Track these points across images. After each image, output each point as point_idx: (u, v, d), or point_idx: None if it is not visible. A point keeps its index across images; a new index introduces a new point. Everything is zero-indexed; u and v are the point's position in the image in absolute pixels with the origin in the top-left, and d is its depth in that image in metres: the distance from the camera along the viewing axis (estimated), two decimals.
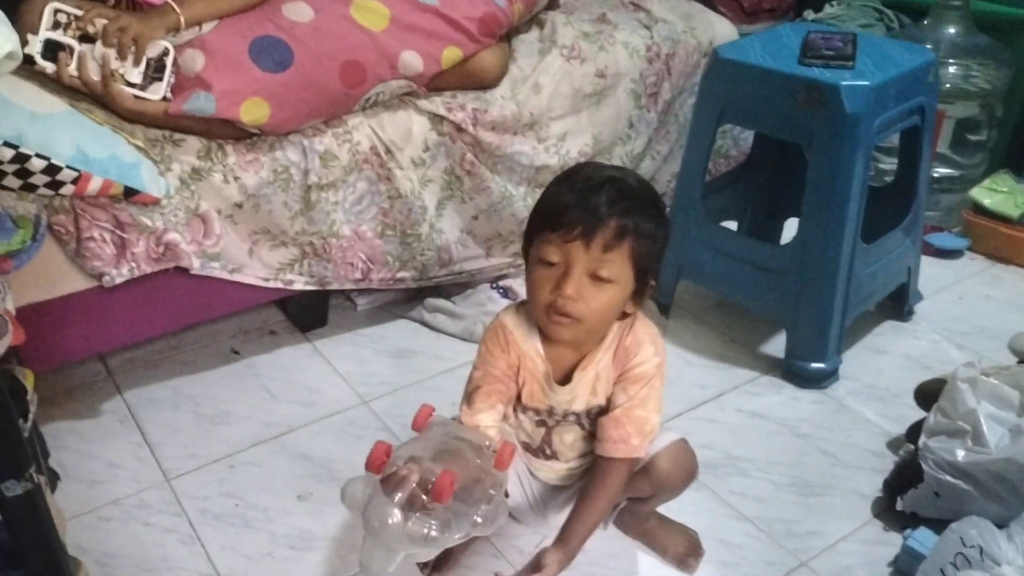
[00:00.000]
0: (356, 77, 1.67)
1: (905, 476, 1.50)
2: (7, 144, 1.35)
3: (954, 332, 1.99)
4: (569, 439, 1.31)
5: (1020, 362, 1.78)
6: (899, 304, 2.01)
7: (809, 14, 2.54)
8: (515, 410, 1.31)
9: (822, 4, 2.56)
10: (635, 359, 1.23)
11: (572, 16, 2.14)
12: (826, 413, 1.74)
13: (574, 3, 2.24)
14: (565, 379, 1.25)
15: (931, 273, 2.15)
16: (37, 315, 1.52)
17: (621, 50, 2.08)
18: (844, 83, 1.60)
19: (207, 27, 1.63)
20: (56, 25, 1.51)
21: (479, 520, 1.01)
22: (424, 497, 1.00)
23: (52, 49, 1.51)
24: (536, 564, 1.21)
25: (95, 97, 1.56)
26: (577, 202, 1.11)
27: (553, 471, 1.37)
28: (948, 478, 1.42)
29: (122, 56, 1.53)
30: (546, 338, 1.22)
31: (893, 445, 1.65)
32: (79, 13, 1.53)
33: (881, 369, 1.87)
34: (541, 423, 1.30)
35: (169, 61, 1.56)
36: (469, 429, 1.20)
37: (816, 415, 1.74)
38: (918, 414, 1.60)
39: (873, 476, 1.58)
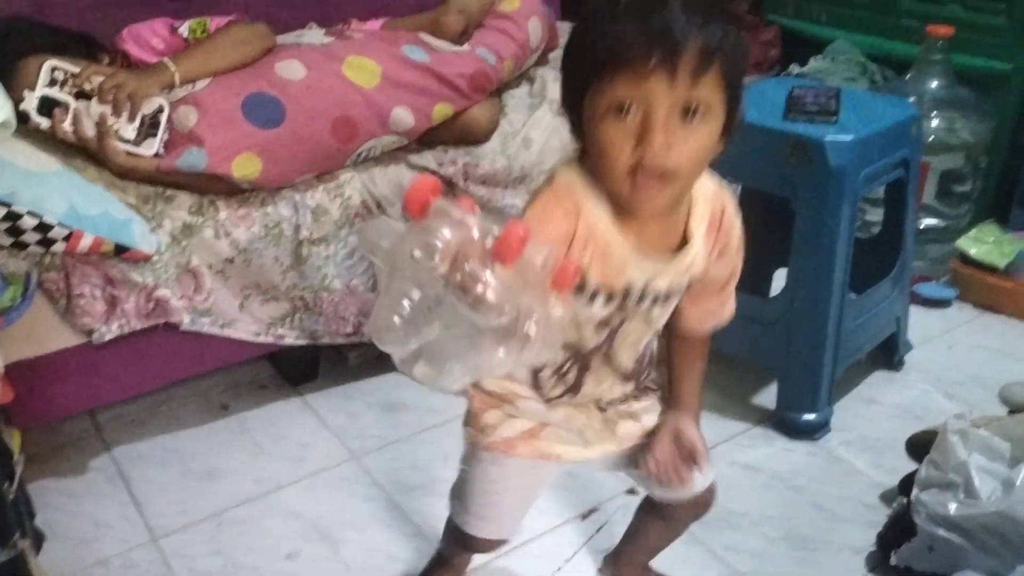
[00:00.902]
0: (348, 133, 1.69)
1: (898, 530, 1.49)
2: (0, 203, 1.36)
3: (944, 381, 1.99)
4: (632, 337, 1.05)
5: (1011, 412, 1.79)
6: (889, 354, 2.02)
7: (795, 68, 2.58)
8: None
9: (807, 58, 2.61)
10: (733, 228, 1.03)
11: None
12: (819, 465, 1.74)
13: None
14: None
15: (920, 322, 2.16)
16: (26, 371, 1.52)
17: None
18: (828, 138, 1.63)
19: (201, 84, 1.65)
20: (53, 82, 1.54)
21: (531, 329, 0.69)
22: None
23: (48, 105, 1.53)
24: (675, 433, 1.12)
25: (90, 153, 1.58)
26: (640, 23, 0.84)
27: (590, 420, 1.12)
28: (941, 532, 1.41)
29: (117, 112, 1.55)
30: (617, 210, 0.94)
31: (886, 497, 1.65)
32: (76, 71, 1.55)
33: (873, 419, 1.87)
34: (608, 319, 1.01)
35: (163, 118, 1.58)
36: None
37: (809, 467, 1.73)
38: (911, 465, 1.60)
39: (867, 530, 1.57)
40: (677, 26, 0.83)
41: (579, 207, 0.93)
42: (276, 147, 1.61)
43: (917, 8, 2.48)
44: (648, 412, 1.16)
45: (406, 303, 0.67)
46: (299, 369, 1.99)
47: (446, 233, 0.66)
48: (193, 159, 1.56)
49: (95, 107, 1.55)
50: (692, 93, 0.84)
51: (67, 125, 1.53)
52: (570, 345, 1.04)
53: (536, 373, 1.07)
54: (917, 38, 2.31)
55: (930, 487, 1.47)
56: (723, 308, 1.10)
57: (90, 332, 1.55)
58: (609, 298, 0.98)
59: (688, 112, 0.85)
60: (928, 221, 2.40)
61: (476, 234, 0.68)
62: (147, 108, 1.57)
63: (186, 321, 1.63)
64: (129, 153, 1.56)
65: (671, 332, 1.12)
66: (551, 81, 2.11)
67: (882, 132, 1.71)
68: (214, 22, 1.75)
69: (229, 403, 1.92)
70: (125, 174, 1.56)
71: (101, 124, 1.53)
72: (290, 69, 1.69)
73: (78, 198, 1.46)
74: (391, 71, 1.77)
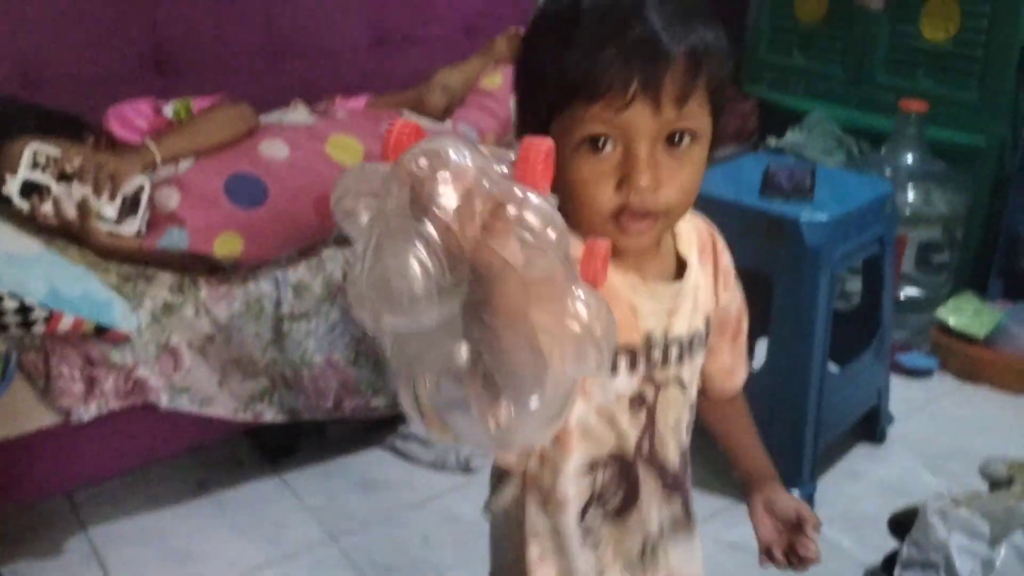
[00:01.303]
0: (329, 211, 1.71)
1: None
2: None
3: (927, 455, 1.99)
4: (673, 414, 0.89)
5: (992, 487, 1.79)
6: (871, 426, 2.02)
7: (772, 140, 2.63)
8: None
9: (784, 129, 2.66)
10: (726, 254, 0.93)
11: None
12: None
13: None
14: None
15: (903, 393, 2.17)
16: (3, 451, 1.51)
17: None
18: (804, 218, 1.66)
19: (184, 164, 1.67)
20: (35, 165, 1.55)
21: (580, 309, 0.54)
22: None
23: (29, 189, 1.55)
24: (768, 508, 0.99)
25: (72, 233, 1.59)
26: (612, 40, 0.70)
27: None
28: None
29: (98, 192, 1.57)
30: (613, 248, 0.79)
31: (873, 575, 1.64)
32: (57, 155, 1.57)
33: (856, 496, 1.86)
34: (641, 394, 0.86)
35: (144, 197, 1.59)
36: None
37: None
38: (894, 543, 1.59)
39: None
40: (660, 39, 0.70)
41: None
42: (258, 226, 1.63)
43: (891, 82, 2.55)
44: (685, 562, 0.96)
45: (422, 249, 0.50)
46: (277, 444, 1.97)
47: (463, 158, 0.52)
48: (175, 239, 1.57)
49: (76, 189, 1.56)
50: (679, 119, 0.72)
51: (48, 208, 1.54)
52: (611, 454, 0.86)
53: (584, 511, 0.87)
54: (891, 111, 2.37)
55: (912, 566, 1.47)
56: (738, 366, 1.00)
57: (68, 413, 1.54)
58: (632, 362, 0.84)
59: (674, 139, 0.74)
60: (908, 291, 2.43)
61: (493, 165, 0.53)
62: (128, 188, 1.59)
63: (164, 400, 1.62)
64: (111, 233, 1.57)
65: (707, 407, 1.00)
66: None
67: (857, 210, 1.74)
68: (198, 103, 1.77)
69: (206, 480, 1.90)
70: (107, 254, 1.57)
71: (82, 205, 1.55)
72: (273, 148, 1.72)
73: (59, 279, 1.46)
74: (373, 149, 1.79)
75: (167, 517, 1.80)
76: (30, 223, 1.56)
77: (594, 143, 0.72)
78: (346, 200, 0.58)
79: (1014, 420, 2.12)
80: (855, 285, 2.34)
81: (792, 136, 2.61)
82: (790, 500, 1.00)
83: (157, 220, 1.60)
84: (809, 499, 1.81)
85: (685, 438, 0.92)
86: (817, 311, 1.69)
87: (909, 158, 2.34)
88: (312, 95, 2.19)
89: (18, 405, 1.51)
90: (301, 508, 1.82)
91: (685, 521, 0.94)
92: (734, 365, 0.99)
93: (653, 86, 0.70)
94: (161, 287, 1.60)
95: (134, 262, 1.60)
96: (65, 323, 1.46)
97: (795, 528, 0.98)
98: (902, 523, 1.57)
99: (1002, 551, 1.40)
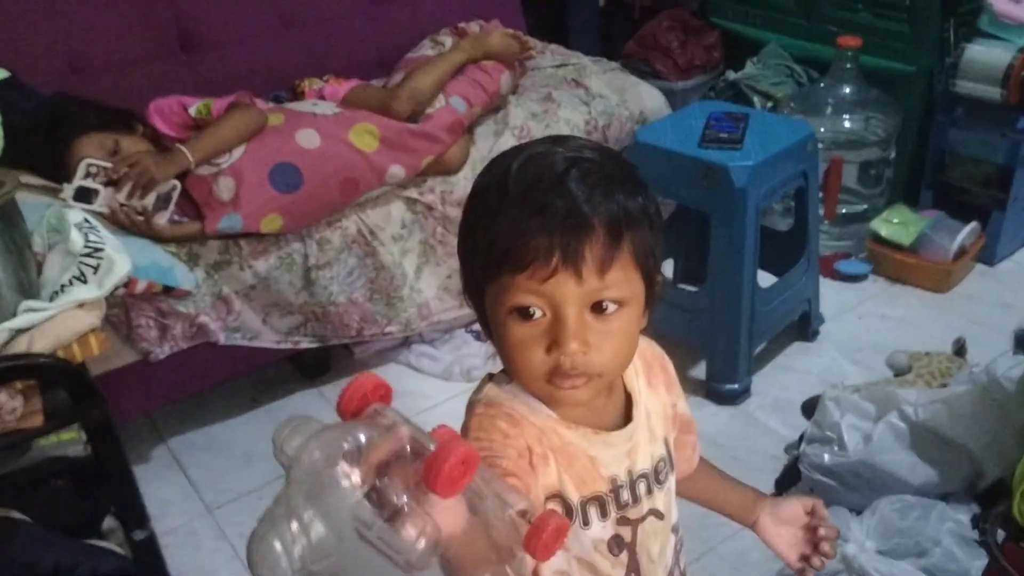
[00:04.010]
0: (351, 190, 2.08)
1: (790, 476, 1.90)
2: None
3: (851, 349, 2.38)
4: (656, 546, 0.89)
5: (896, 374, 2.19)
6: (805, 327, 2.41)
7: (730, 74, 2.93)
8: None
9: (745, 59, 2.95)
10: (667, 367, 0.95)
11: (522, 97, 2.54)
12: (738, 425, 2.14)
13: (525, 83, 2.64)
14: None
15: (837, 296, 2.55)
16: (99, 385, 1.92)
17: (564, 126, 2.47)
18: (732, 164, 2.00)
19: (237, 153, 2.01)
20: (87, 175, 1.90)
21: None
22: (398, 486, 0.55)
23: (83, 193, 1.89)
24: (776, 519, 1.01)
25: (135, 229, 1.93)
26: (538, 216, 0.72)
27: None
28: (819, 476, 1.82)
29: (133, 193, 1.90)
30: (558, 405, 0.82)
31: (790, 449, 2.05)
32: (107, 165, 1.90)
33: (787, 385, 2.26)
34: (617, 537, 0.86)
35: (175, 195, 1.94)
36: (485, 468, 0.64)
37: (730, 427, 2.14)
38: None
39: (771, 476, 1.97)
40: (580, 210, 0.73)
41: (515, 418, 0.81)
42: (294, 207, 2.01)
43: (834, 15, 2.82)
44: None
45: (295, 526, 0.52)
46: (314, 365, 2.39)
47: (361, 437, 0.54)
48: (232, 223, 1.96)
49: (121, 194, 1.89)
50: (602, 289, 0.74)
51: (99, 206, 1.87)
52: None
53: None
54: (834, 42, 2.65)
55: (813, 441, 1.87)
56: (695, 452, 1.02)
57: (147, 353, 1.95)
58: (603, 510, 0.84)
59: (601, 307, 0.76)
60: (853, 205, 2.77)
61: (408, 448, 0.55)
62: (163, 188, 1.93)
63: (222, 338, 2.04)
64: (173, 223, 1.93)
65: (679, 486, 0.96)
66: (513, 107, 2.48)
67: (780, 152, 2.08)
68: (216, 104, 2.09)
69: (258, 397, 2.34)
70: (171, 240, 1.94)
71: (126, 204, 1.88)
72: (307, 138, 2.07)
73: (132, 252, 1.84)
74: (388, 134, 2.15)
75: (229, 427, 2.25)
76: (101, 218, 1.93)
77: (523, 311, 0.75)
78: (285, 439, 0.58)
79: (931, 317, 2.49)
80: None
81: (748, 69, 2.90)
82: (789, 502, 1.01)
83: (215, 206, 1.96)
84: (746, 390, 2.21)
85: (671, 561, 0.92)
86: (746, 239, 2.05)
87: (847, 88, 2.64)
88: (315, 64, 2.51)
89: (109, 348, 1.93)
90: (335, 414, 2.25)
91: None
92: (688, 459, 1.01)
93: (574, 256, 0.72)
94: (211, 250, 1.99)
95: (192, 241, 1.97)
96: (140, 286, 1.85)
97: (808, 528, 1.00)
98: (810, 408, 1.97)
99: (880, 427, 1.80)
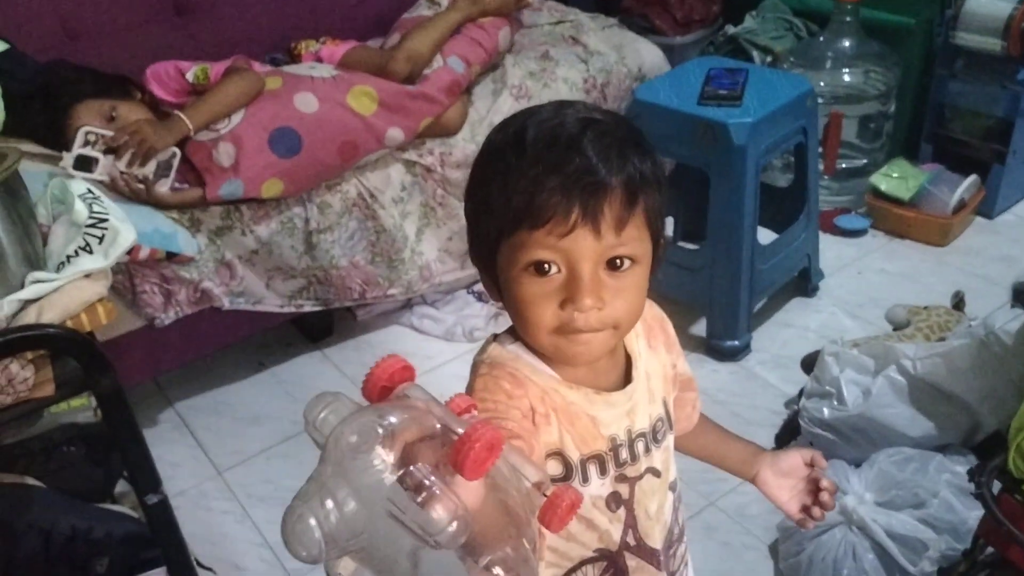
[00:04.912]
0: (350, 153, 2.08)
1: (790, 431, 1.93)
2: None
3: (850, 304, 2.40)
4: (654, 502, 0.92)
5: (895, 328, 2.20)
6: (805, 283, 2.42)
7: (729, 28, 2.90)
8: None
9: (742, 17, 2.93)
10: (667, 328, 0.97)
11: (520, 56, 2.52)
12: (738, 381, 2.17)
13: (522, 41, 2.62)
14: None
15: (837, 252, 2.56)
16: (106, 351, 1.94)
17: (562, 85, 2.46)
18: (731, 121, 2.00)
19: (236, 118, 2.00)
20: (86, 144, 1.89)
21: (499, 573, 0.56)
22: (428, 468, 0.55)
23: (82, 161, 1.88)
24: (776, 471, 1.02)
25: (136, 197, 1.93)
26: (553, 172, 0.75)
27: None
28: (818, 431, 1.85)
29: (133, 161, 1.89)
30: (560, 366, 0.85)
31: (789, 404, 2.08)
32: (106, 134, 1.90)
33: (786, 341, 2.29)
34: (615, 493, 0.88)
35: (175, 162, 1.94)
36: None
37: (730, 384, 2.16)
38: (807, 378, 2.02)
39: (771, 431, 2.00)
40: (598, 172, 0.75)
41: (519, 378, 0.83)
42: (294, 171, 2.01)
43: None
44: None
45: (329, 503, 0.54)
46: (317, 328, 2.41)
47: (394, 420, 0.56)
48: (233, 188, 1.96)
49: (121, 162, 1.89)
50: (618, 245, 0.77)
51: (98, 175, 1.87)
52: (597, 550, 0.89)
53: None
54: None
55: (813, 396, 1.90)
56: (695, 410, 1.04)
57: (152, 319, 1.97)
58: (602, 468, 0.86)
59: (616, 264, 0.78)
60: (853, 160, 2.77)
61: (438, 428, 0.57)
62: (163, 155, 1.93)
63: (226, 303, 2.05)
64: (174, 190, 1.93)
65: (679, 441, 0.99)
66: (510, 67, 2.46)
67: (779, 109, 2.08)
68: (214, 69, 2.08)
69: (264, 360, 2.36)
70: (172, 206, 1.94)
71: (126, 172, 1.88)
72: (305, 102, 2.06)
73: (135, 218, 1.85)
74: (385, 96, 2.14)
75: (236, 390, 2.27)
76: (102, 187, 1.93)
77: (539, 267, 0.77)
78: (320, 418, 0.61)
79: (929, 270, 2.51)
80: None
81: (747, 23, 2.88)
82: (789, 454, 1.02)
83: (215, 172, 1.96)
84: (746, 347, 2.24)
85: (670, 518, 0.95)
86: (745, 196, 2.06)
87: (847, 42, 2.62)
88: (311, 26, 2.49)
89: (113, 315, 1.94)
90: (340, 376, 2.28)
91: None
92: (695, 406, 1.03)
93: (593, 212, 0.75)
94: (212, 216, 2.00)
95: (194, 208, 1.98)
96: (143, 253, 1.86)
97: (808, 479, 1.01)
98: (809, 364, 1.99)
99: (879, 381, 1.82)
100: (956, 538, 1.58)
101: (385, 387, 0.61)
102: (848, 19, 2.59)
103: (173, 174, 1.95)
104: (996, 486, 1.31)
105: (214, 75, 2.07)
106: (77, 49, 2.26)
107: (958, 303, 2.25)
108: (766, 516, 1.81)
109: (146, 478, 1.30)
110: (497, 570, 0.55)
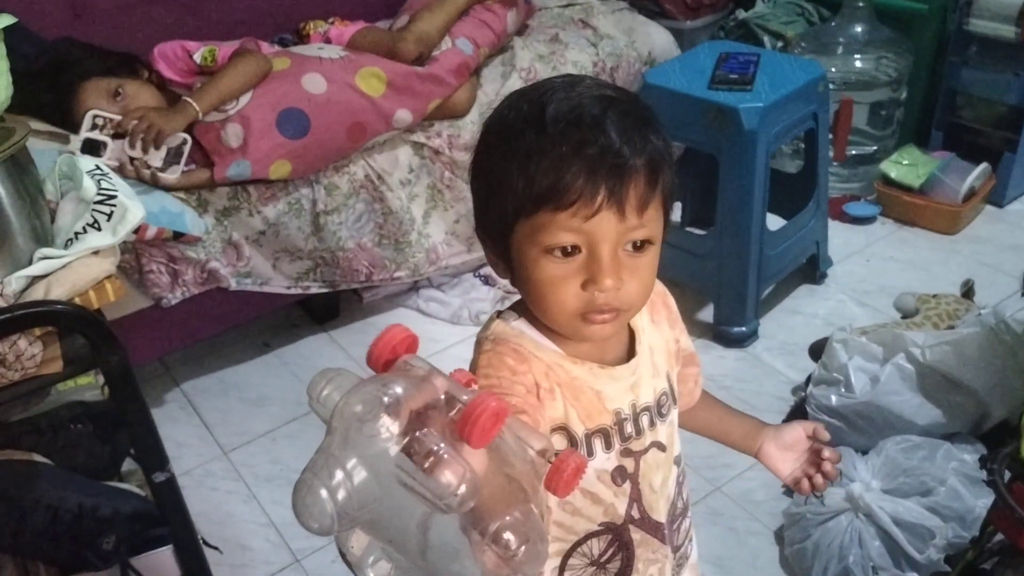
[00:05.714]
0: (359, 135, 2.07)
1: (796, 417, 1.92)
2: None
3: (858, 292, 2.39)
4: (659, 476, 0.92)
5: (904, 316, 2.20)
6: (813, 270, 2.41)
7: (740, 13, 2.88)
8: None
9: (753, 1, 2.90)
10: (670, 303, 0.97)
11: (529, 38, 2.51)
12: (745, 368, 2.16)
13: (532, 24, 2.60)
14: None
15: (845, 239, 2.55)
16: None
17: (571, 68, 2.45)
18: (742, 106, 1.98)
19: (244, 99, 1.99)
20: (94, 127, 1.88)
21: (508, 536, 0.55)
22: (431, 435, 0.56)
23: (90, 145, 1.87)
24: (779, 444, 1.03)
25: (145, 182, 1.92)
26: (576, 154, 0.74)
27: None
28: (825, 418, 1.84)
29: (145, 147, 1.89)
30: (564, 341, 0.85)
31: (796, 391, 2.07)
32: (115, 117, 1.89)
33: (793, 327, 2.28)
34: (621, 467, 0.88)
35: (186, 149, 1.93)
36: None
37: (737, 370, 2.16)
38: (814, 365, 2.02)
39: (778, 418, 1.99)
40: (622, 153, 0.74)
41: (523, 354, 0.83)
42: (303, 153, 2.00)
43: None
44: None
45: (338, 475, 0.54)
46: (324, 310, 2.41)
47: (398, 390, 0.56)
48: (241, 170, 1.95)
49: (128, 148, 1.88)
50: (639, 227, 0.77)
51: (107, 159, 1.86)
52: (602, 523, 0.89)
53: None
54: None
55: (820, 384, 1.89)
56: (697, 385, 1.04)
57: (159, 299, 1.96)
58: (607, 442, 0.86)
59: (636, 245, 0.78)
60: (863, 147, 2.75)
61: (442, 398, 0.58)
62: (172, 141, 1.92)
63: (232, 284, 2.05)
64: (183, 172, 1.92)
65: (683, 417, 0.99)
66: (519, 49, 2.45)
67: (791, 94, 2.06)
68: (222, 51, 2.06)
69: (270, 341, 2.36)
70: (180, 188, 1.93)
71: (137, 159, 1.88)
72: (314, 83, 2.05)
73: (142, 198, 1.84)
74: (394, 78, 2.12)
75: (242, 371, 2.27)
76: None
77: (564, 249, 0.76)
78: (324, 394, 0.61)
79: (938, 258, 2.49)
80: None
81: (759, 7, 2.86)
82: (791, 427, 1.03)
83: (223, 153, 1.95)
84: (753, 333, 2.23)
85: (674, 492, 0.95)
86: (755, 181, 2.05)
87: (859, 27, 2.60)
88: (320, 6, 2.47)
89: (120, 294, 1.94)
90: (346, 357, 2.28)
91: (685, 562, 1.01)
92: (697, 381, 1.03)
93: (619, 195, 0.74)
94: (220, 196, 1.99)
95: (202, 188, 1.97)
96: (150, 232, 1.86)
97: (811, 451, 1.03)
98: (817, 350, 1.99)
99: (887, 369, 1.81)
100: (963, 526, 1.58)
101: (390, 358, 0.61)
102: (860, 4, 2.57)
103: (183, 161, 1.94)
104: (1006, 475, 1.30)
105: (221, 57, 2.05)
106: (83, 27, 2.25)
107: (967, 291, 2.24)
108: (772, 502, 1.81)
109: (153, 456, 1.30)
110: (508, 535, 0.55)
